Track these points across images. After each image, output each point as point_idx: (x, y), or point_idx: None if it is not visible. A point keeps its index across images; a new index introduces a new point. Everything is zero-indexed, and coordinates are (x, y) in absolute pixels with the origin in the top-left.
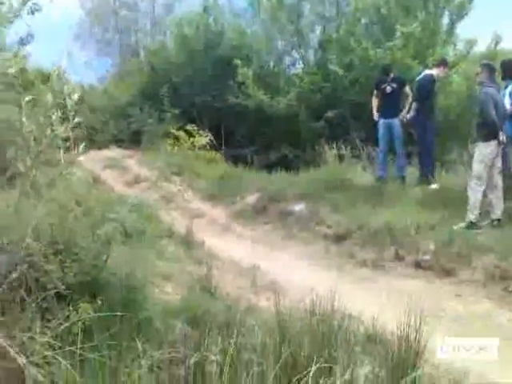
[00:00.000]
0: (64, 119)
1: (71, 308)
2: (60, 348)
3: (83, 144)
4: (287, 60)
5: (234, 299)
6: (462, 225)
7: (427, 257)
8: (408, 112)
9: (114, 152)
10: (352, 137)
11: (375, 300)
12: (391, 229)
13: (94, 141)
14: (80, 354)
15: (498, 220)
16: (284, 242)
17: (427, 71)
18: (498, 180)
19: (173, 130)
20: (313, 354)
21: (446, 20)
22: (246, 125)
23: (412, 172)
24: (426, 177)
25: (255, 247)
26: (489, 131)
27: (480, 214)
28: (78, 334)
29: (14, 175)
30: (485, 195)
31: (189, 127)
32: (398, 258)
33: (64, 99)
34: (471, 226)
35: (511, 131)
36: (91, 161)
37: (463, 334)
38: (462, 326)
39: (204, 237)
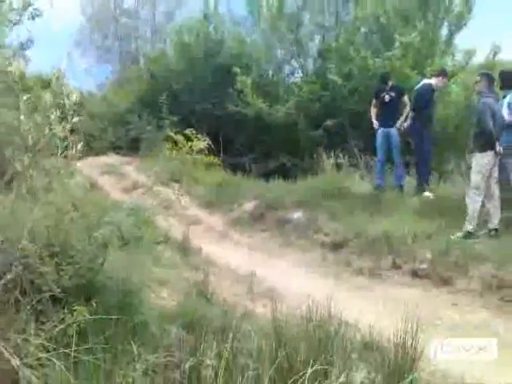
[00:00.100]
0: (62, 119)
1: (66, 311)
2: (54, 350)
3: (81, 143)
4: (286, 69)
5: (230, 305)
6: (460, 234)
7: (424, 266)
8: (405, 121)
9: (112, 158)
10: (350, 146)
11: (372, 308)
12: (388, 237)
13: (92, 147)
14: (74, 357)
15: (496, 229)
16: (281, 250)
17: (426, 80)
18: (496, 190)
19: (171, 134)
20: (309, 359)
21: (444, 30)
22: (245, 133)
23: (410, 181)
24: (422, 185)
25: (252, 254)
26: (486, 141)
27: (477, 223)
28: (72, 336)
29: (12, 178)
30: (482, 205)
31: (187, 131)
32: (395, 266)
33: (63, 100)
34: (468, 235)
35: (508, 141)
36: (89, 167)
37: None
38: (459, 335)
39: (201, 243)
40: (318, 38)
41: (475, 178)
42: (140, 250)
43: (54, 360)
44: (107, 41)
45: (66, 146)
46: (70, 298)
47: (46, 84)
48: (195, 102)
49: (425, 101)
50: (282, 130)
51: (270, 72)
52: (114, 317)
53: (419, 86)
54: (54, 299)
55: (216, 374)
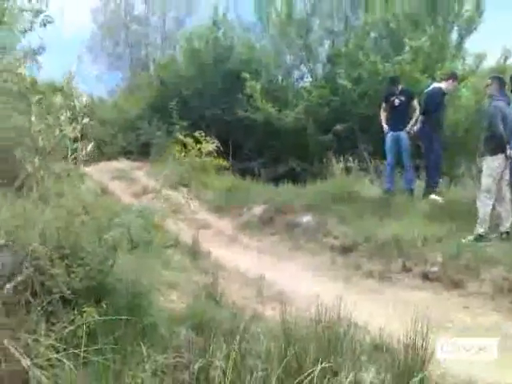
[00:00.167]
0: (73, 120)
1: (76, 312)
2: (64, 350)
3: (91, 144)
4: (296, 74)
5: (239, 308)
6: (471, 237)
7: (435, 268)
8: (414, 125)
9: (122, 164)
10: (360, 150)
11: (382, 311)
12: (398, 241)
13: (103, 152)
14: (84, 357)
15: (507, 233)
16: (291, 253)
17: (436, 84)
18: (507, 193)
19: (180, 137)
20: (318, 360)
21: (454, 34)
22: (254, 138)
23: (420, 185)
24: (431, 188)
25: (262, 258)
26: (496, 145)
27: (489, 227)
28: (82, 337)
29: (23, 183)
30: (493, 208)
31: (196, 134)
32: (405, 269)
33: (73, 101)
34: (480, 238)
35: None
36: (100, 172)
37: None
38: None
39: (210, 247)
40: (327, 43)
41: (486, 181)
42: (150, 253)
43: (64, 360)
44: (118, 48)
45: (76, 148)
46: (80, 299)
47: (57, 90)
48: (205, 107)
49: (435, 104)
50: (291, 134)
51: (280, 77)
52: (123, 317)
53: (429, 89)
54: (64, 300)
55: (224, 374)
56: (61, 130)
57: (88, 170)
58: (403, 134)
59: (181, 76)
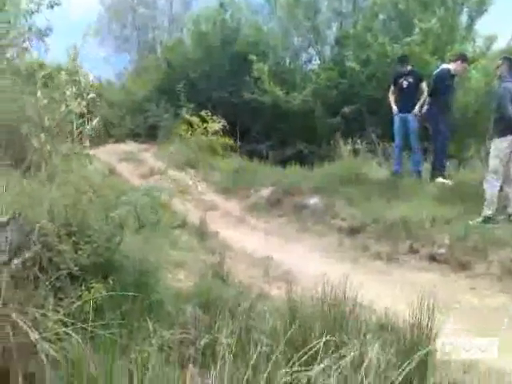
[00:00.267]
0: (78, 95)
1: (84, 288)
2: (72, 325)
3: (97, 119)
4: (303, 56)
5: (245, 287)
6: (479, 219)
7: (442, 250)
8: (422, 107)
9: (130, 146)
10: (368, 132)
11: (389, 292)
12: (406, 222)
13: (111, 135)
14: (91, 332)
15: None
16: (298, 235)
17: (444, 65)
18: None
19: (186, 116)
20: (323, 336)
21: (465, 16)
22: (262, 120)
23: (428, 167)
24: (438, 171)
25: (269, 239)
26: (505, 126)
27: (497, 208)
28: (89, 312)
29: (31, 166)
30: (501, 189)
31: (202, 113)
32: (413, 251)
33: (78, 77)
34: (488, 220)
35: None
36: (108, 154)
37: (478, 325)
38: (477, 318)
39: (218, 228)
40: (335, 25)
41: (493, 162)
42: (157, 233)
43: (72, 333)
44: (125, 30)
45: (82, 123)
46: (87, 275)
47: (63, 69)
48: (212, 89)
49: (443, 86)
50: (298, 117)
51: (287, 59)
52: (130, 293)
53: (438, 70)
54: (72, 277)
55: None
56: (66, 105)
57: (96, 152)
58: (411, 116)
59: (188, 58)
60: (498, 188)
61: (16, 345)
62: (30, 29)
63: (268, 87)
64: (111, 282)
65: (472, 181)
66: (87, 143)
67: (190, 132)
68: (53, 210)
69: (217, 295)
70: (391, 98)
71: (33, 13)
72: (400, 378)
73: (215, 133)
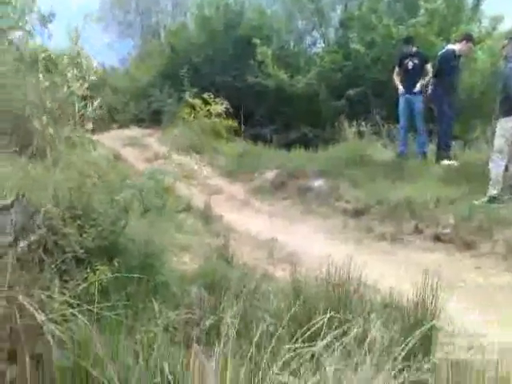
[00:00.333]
0: (80, 77)
1: (89, 270)
2: (78, 306)
3: (98, 100)
4: (308, 39)
5: (250, 268)
6: (484, 199)
7: (447, 230)
8: (426, 87)
9: (134, 131)
10: (372, 114)
11: (393, 272)
12: (411, 203)
13: (115, 121)
14: (97, 313)
15: None
16: (302, 217)
17: (449, 46)
18: None
19: (189, 99)
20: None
21: None
22: (266, 104)
23: (433, 149)
24: (443, 152)
25: (273, 221)
26: (511, 106)
27: (502, 188)
28: (95, 294)
29: (36, 152)
30: (506, 169)
31: (205, 95)
32: (418, 231)
33: (80, 60)
34: (493, 200)
35: None
36: (112, 139)
37: (483, 303)
38: (482, 296)
39: (222, 212)
40: (339, 7)
41: (499, 141)
42: (162, 217)
43: (78, 315)
44: (129, 16)
45: (84, 106)
46: (92, 258)
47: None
48: (216, 74)
49: (448, 67)
50: (303, 100)
51: (291, 43)
52: (135, 275)
53: (443, 51)
54: (77, 259)
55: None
56: (68, 87)
57: (100, 137)
58: (416, 98)
59: (192, 43)
60: (504, 167)
61: (23, 326)
62: (32, 11)
63: (272, 71)
64: (116, 264)
65: (478, 161)
66: (90, 126)
67: (192, 115)
68: (57, 194)
69: (221, 276)
70: (396, 79)
71: None
72: (403, 353)
73: (218, 115)
